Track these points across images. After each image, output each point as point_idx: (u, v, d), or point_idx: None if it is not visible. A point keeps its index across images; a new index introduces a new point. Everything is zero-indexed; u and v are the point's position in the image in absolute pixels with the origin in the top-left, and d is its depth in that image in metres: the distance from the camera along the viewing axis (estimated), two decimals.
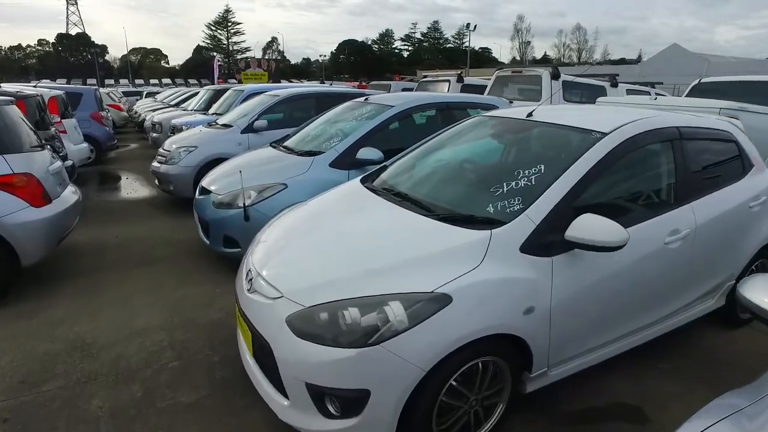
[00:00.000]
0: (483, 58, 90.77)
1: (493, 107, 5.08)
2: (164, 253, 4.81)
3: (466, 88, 9.79)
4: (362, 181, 3.15)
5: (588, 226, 2.08)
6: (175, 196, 6.38)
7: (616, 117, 2.78)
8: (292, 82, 25.53)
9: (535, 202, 2.21)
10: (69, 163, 6.43)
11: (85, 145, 8.49)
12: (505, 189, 2.41)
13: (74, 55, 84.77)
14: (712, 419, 1.16)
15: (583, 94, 7.87)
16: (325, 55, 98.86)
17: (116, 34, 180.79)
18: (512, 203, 2.30)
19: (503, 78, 8.40)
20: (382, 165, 3.42)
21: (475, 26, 46.68)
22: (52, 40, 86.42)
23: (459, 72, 9.78)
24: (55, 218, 3.78)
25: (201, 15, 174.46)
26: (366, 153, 4.19)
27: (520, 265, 2.09)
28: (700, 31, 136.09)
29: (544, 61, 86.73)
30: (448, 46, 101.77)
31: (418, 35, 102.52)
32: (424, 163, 3.26)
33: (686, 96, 6.66)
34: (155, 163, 6.55)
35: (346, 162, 4.28)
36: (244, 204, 3.95)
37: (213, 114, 9.21)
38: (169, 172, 6.17)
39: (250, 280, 2.35)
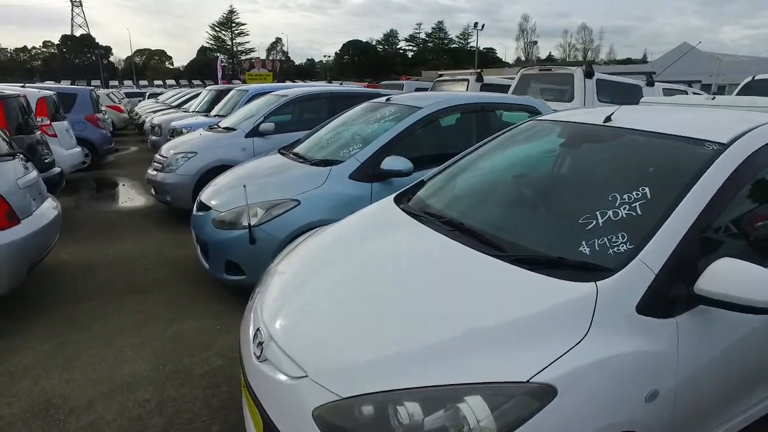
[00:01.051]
0: (488, 59, 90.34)
1: (535, 110, 4.45)
2: (158, 276, 4.19)
3: (487, 88, 9.14)
4: (396, 201, 2.51)
5: (731, 277, 1.49)
6: (172, 207, 5.77)
7: (724, 122, 2.20)
8: (296, 82, 24.96)
9: (651, 241, 1.59)
10: (56, 170, 5.86)
11: (78, 149, 7.91)
12: (600, 220, 1.79)
13: (79, 56, 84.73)
14: None
15: (617, 93, 7.22)
16: (329, 56, 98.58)
17: (121, 36, 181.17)
18: (615, 241, 1.68)
19: (528, 77, 7.75)
20: (419, 180, 2.74)
21: (483, 25, 45.67)
22: (57, 41, 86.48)
23: (479, 70, 9.14)
24: (24, 241, 3.17)
25: (205, 16, 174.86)
26: (392, 163, 3.57)
27: (639, 333, 1.50)
28: (705, 30, 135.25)
29: (549, 60, 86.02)
30: (452, 46, 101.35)
31: (422, 35, 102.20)
32: (474, 180, 2.65)
33: (737, 94, 6.01)
34: (151, 171, 5.95)
35: (369, 173, 3.66)
36: (249, 224, 3.33)
37: (215, 116, 8.61)
38: (166, 181, 5.56)
39: (260, 344, 1.72)
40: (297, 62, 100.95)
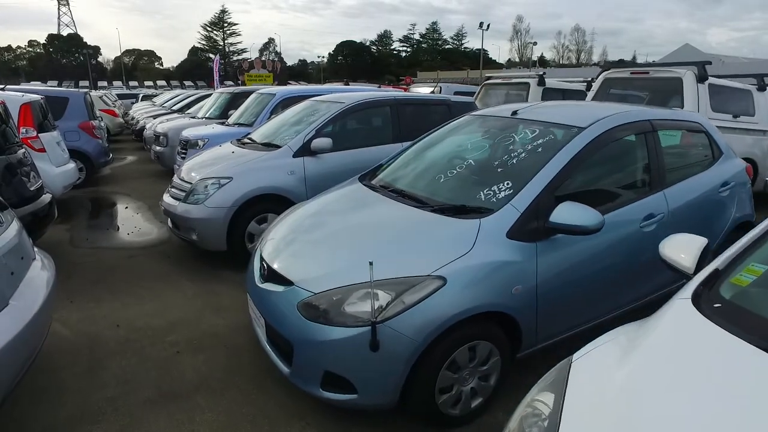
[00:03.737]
0: (482, 60, 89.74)
1: (699, 127, 3.43)
2: (198, 368, 2.88)
3: (550, 93, 7.92)
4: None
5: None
6: (198, 247, 4.44)
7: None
8: (290, 83, 23.59)
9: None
10: (46, 199, 4.50)
11: (71, 165, 6.52)
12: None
13: (66, 56, 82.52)
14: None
15: (729, 100, 6.01)
16: (323, 57, 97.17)
17: (109, 36, 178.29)
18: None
19: (613, 81, 6.50)
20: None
21: (488, 25, 44.29)
22: (43, 41, 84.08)
23: (541, 73, 7.90)
24: None
25: (195, 17, 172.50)
26: (568, 213, 2.35)
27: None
28: (693, 32, 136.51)
29: (542, 62, 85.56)
30: (447, 47, 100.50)
31: (416, 36, 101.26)
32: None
33: None
34: (169, 199, 4.61)
35: (533, 228, 2.39)
36: (373, 319, 2.04)
37: (236, 124, 7.27)
38: (191, 215, 4.22)
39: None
40: (289, 63, 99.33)
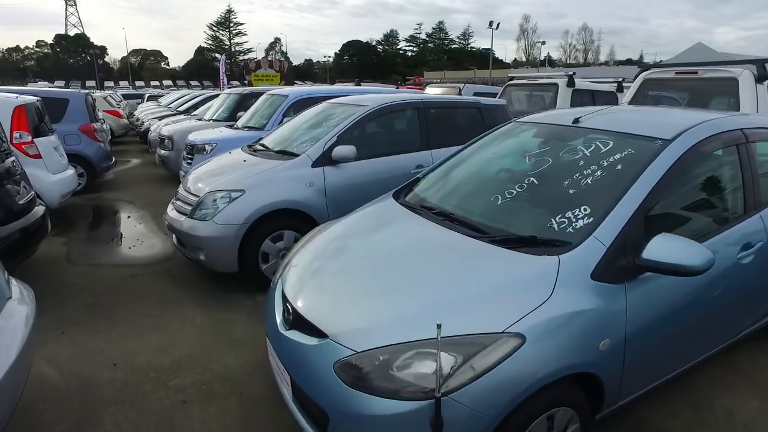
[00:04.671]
0: (487, 60, 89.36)
1: None
2: (203, 420, 2.42)
3: (579, 94, 7.41)
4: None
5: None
6: (207, 267, 3.98)
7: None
8: (296, 84, 23.15)
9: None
10: (38, 212, 4.07)
11: (70, 172, 6.09)
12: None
13: (73, 56, 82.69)
14: None
15: None
16: (329, 56, 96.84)
17: (116, 36, 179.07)
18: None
19: (656, 82, 5.96)
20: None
21: (498, 24, 43.44)
22: (50, 41, 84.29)
23: (571, 73, 7.37)
24: None
25: (201, 17, 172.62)
26: (681, 249, 1.85)
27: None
28: (700, 32, 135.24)
29: (549, 62, 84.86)
30: (453, 47, 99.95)
31: (423, 36, 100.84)
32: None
33: None
34: (173, 212, 4.16)
35: (623, 266, 1.92)
36: (438, 390, 1.57)
37: (245, 128, 6.83)
38: (198, 233, 3.77)
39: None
40: (294, 63, 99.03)
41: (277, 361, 2.17)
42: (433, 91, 9.74)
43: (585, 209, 2.13)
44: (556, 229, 2.12)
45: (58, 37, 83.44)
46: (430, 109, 4.59)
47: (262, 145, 4.72)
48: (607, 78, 12.49)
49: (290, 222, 3.87)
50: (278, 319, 2.21)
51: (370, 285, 2.10)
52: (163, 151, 8.17)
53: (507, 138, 3.13)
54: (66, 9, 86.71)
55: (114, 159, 8.53)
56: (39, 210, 4.12)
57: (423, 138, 4.51)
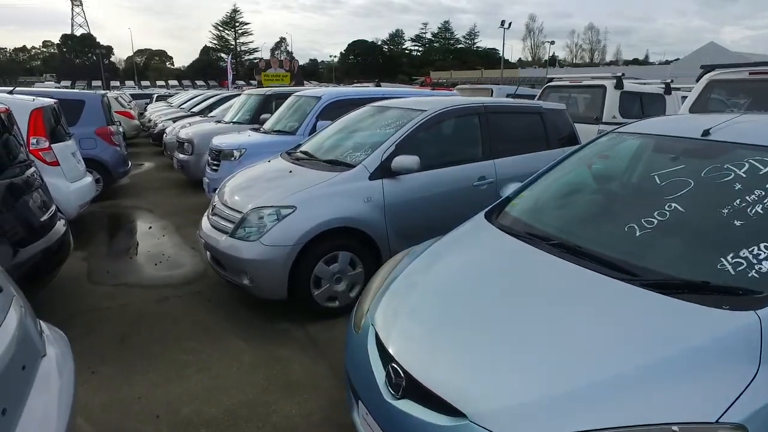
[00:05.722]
0: (493, 60, 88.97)
1: None
2: None
3: (628, 97, 6.93)
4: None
5: None
6: (250, 293, 3.53)
7: None
8: (305, 84, 22.71)
9: None
10: (61, 230, 3.64)
11: (88, 179, 5.67)
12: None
13: (79, 56, 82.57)
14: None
15: None
16: (335, 56, 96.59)
17: (121, 36, 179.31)
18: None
19: (723, 83, 5.46)
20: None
21: (510, 24, 42.74)
22: (57, 41, 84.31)
23: (619, 74, 6.85)
24: None
25: (206, 17, 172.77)
26: None
27: None
28: (706, 31, 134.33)
29: (553, 62, 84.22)
30: (458, 46, 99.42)
31: (428, 36, 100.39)
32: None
33: None
34: (209, 229, 3.71)
35: None
36: None
37: (275, 131, 6.38)
38: (243, 254, 3.32)
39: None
40: (300, 62, 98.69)
41: None
42: (464, 93, 9.27)
43: (767, 247, 1.67)
44: (732, 272, 1.66)
45: (64, 37, 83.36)
46: (492, 115, 4.13)
47: (305, 153, 4.27)
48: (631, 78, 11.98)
49: (345, 241, 3.42)
50: (379, 381, 1.75)
51: (512, 346, 1.63)
52: (182, 156, 7.74)
53: (616, 152, 2.67)
54: (72, 9, 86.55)
55: (130, 163, 8.11)
56: (61, 227, 3.69)
57: (485, 146, 4.04)
